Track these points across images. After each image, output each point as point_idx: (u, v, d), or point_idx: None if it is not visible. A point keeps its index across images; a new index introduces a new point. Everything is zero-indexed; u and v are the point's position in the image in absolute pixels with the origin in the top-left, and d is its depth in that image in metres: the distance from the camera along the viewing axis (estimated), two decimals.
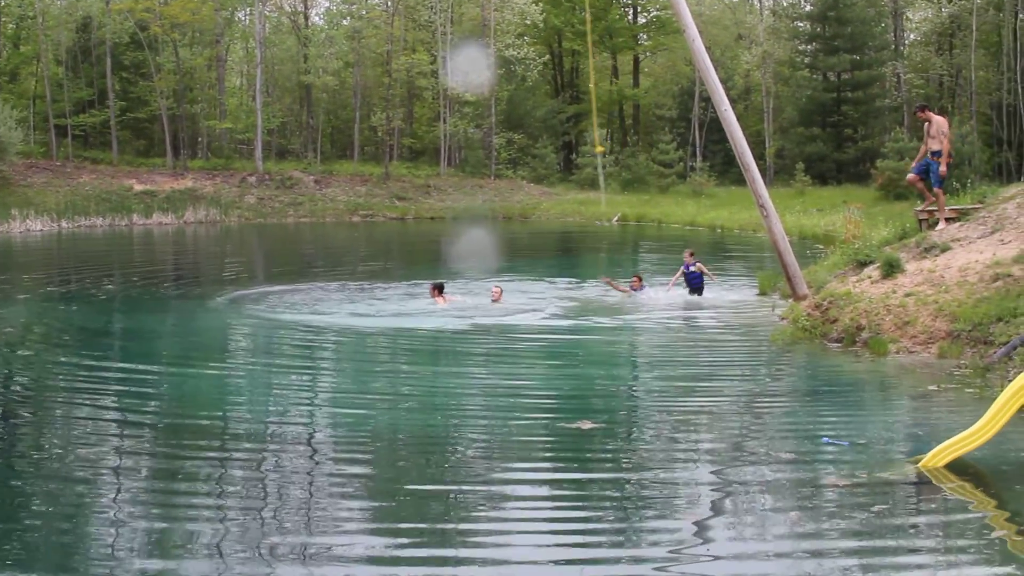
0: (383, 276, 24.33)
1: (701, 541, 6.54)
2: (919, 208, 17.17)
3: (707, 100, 52.44)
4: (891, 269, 14.61)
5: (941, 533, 6.70)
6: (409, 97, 64.78)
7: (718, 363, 13.29)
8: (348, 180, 55.08)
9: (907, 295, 13.70)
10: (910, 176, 16.65)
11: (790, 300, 16.62)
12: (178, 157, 55.16)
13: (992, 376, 11.02)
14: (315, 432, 9.52)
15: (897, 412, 10.45)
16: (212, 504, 7.27)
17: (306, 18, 65.27)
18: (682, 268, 19.22)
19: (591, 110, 29.00)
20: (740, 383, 11.88)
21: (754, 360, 13.42)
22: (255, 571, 6.01)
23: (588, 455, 8.54)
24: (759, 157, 45.44)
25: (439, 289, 18.04)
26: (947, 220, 16.12)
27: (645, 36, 74.52)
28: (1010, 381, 8.92)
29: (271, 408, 10.65)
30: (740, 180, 24.21)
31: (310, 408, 10.82)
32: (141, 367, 12.87)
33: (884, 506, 7.06)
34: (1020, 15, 54.51)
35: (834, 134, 59.21)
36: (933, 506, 7.19)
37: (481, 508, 7.21)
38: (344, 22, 63.45)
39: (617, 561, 6.26)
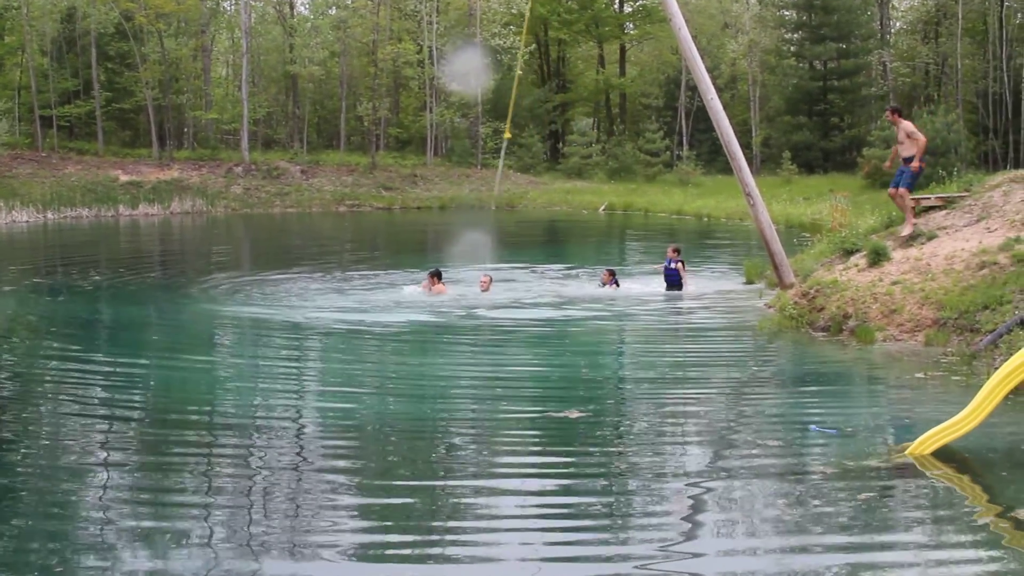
0: (370, 265, 24.28)
1: (690, 527, 6.56)
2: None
3: (694, 89, 52.45)
4: (878, 257, 14.66)
5: (928, 520, 6.73)
6: (395, 87, 64.58)
7: (705, 352, 13.30)
8: (334, 170, 54.90)
9: (894, 283, 13.74)
10: (890, 191, 15.85)
11: (777, 289, 16.66)
12: (164, 148, 54.86)
13: (979, 364, 11.08)
14: (302, 424, 9.50)
15: (884, 400, 10.50)
16: (199, 499, 7.24)
17: (291, 7, 64.97)
18: (664, 263, 19.12)
19: (512, 87, 28.79)
20: (727, 371, 11.89)
21: (741, 349, 13.45)
22: (243, 565, 5.99)
23: (576, 444, 8.54)
24: (746, 146, 45.60)
25: (438, 276, 17.94)
26: (927, 211, 16.03)
27: (631, 25, 74.42)
28: (996, 368, 8.96)
29: (257, 400, 10.61)
30: (727, 169, 24.24)
31: (297, 400, 10.79)
32: (127, 359, 12.84)
33: (872, 494, 7.09)
34: (1006, 3, 54.66)
35: (820, 123, 59.29)
36: (921, 493, 7.22)
37: (469, 498, 7.21)
38: (330, 11, 63.14)
39: (606, 544, 6.27)
